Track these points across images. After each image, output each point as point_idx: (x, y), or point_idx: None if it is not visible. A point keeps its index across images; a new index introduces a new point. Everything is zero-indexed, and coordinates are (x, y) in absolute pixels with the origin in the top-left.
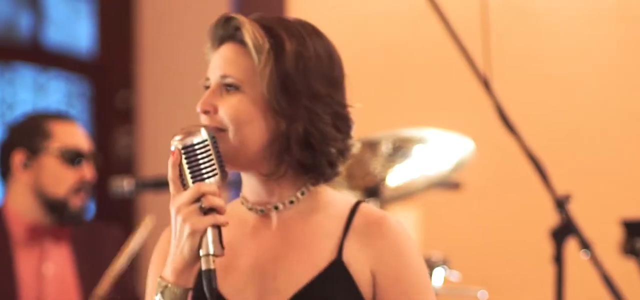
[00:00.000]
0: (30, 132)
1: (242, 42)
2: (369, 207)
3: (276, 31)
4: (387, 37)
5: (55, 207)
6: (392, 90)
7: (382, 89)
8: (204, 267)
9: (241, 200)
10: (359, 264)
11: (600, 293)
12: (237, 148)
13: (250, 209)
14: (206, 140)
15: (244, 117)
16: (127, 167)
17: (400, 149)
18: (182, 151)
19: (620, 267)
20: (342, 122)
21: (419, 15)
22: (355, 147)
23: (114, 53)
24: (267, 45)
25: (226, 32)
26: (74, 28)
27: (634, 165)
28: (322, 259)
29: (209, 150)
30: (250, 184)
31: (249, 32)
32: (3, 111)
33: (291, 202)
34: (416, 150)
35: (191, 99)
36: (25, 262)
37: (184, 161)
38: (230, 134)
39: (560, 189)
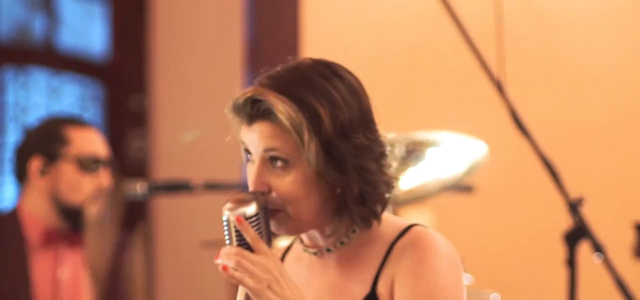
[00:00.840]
0: (48, 138)
1: (278, 122)
2: (420, 229)
3: (306, 100)
4: (401, 41)
5: (71, 214)
6: (405, 94)
7: (396, 92)
8: None
9: (299, 239)
10: (388, 289)
11: (613, 297)
12: (298, 223)
13: (305, 251)
14: (258, 214)
15: (300, 195)
16: (140, 170)
17: (413, 152)
18: (235, 221)
19: (633, 270)
20: (384, 157)
21: (433, 19)
22: (397, 174)
23: (127, 56)
24: (305, 123)
25: (256, 112)
26: (87, 31)
27: None
28: (358, 296)
29: (260, 223)
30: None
31: (284, 114)
32: (16, 114)
33: (342, 243)
34: (429, 153)
35: (204, 103)
36: (40, 267)
37: (234, 230)
38: (290, 212)
39: (573, 192)
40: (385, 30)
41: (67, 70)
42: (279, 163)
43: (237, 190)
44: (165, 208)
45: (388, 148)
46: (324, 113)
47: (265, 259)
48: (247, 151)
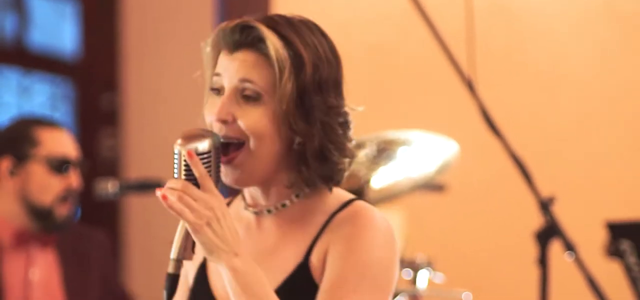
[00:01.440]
0: (17, 139)
1: (262, 53)
2: (360, 203)
3: (294, 43)
4: (372, 40)
5: (41, 215)
6: (376, 93)
7: (367, 92)
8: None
9: (241, 196)
10: (321, 259)
11: (584, 295)
12: (254, 166)
13: (245, 208)
14: (210, 152)
15: (264, 131)
16: (111, 169)
17: (384, 151)
18: (186, 155)
19: (604, 269)
20: (348, 127)
21: (404, 18)
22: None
23: (98, 55)
24: (288, 61)
25: (244, 39)
26: (58, 30)
27: (618, 166)
28: (291, 263)
29: (210, 162)
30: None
31: (273, 44)
32: None
33: (283, 205)
34: (401, 152)
35: (175, 101)
36: (11, 268)
37: (183, 164)
38: (251, 146)
39: (545, 191)
40: (356, 29)
41: (37, 69)
42: (250, 96)
43: (193, 126)
44: (136, 207)
45: (351, 122)
46: (307, 59)
47: (210, 196)
48: (215, 89)
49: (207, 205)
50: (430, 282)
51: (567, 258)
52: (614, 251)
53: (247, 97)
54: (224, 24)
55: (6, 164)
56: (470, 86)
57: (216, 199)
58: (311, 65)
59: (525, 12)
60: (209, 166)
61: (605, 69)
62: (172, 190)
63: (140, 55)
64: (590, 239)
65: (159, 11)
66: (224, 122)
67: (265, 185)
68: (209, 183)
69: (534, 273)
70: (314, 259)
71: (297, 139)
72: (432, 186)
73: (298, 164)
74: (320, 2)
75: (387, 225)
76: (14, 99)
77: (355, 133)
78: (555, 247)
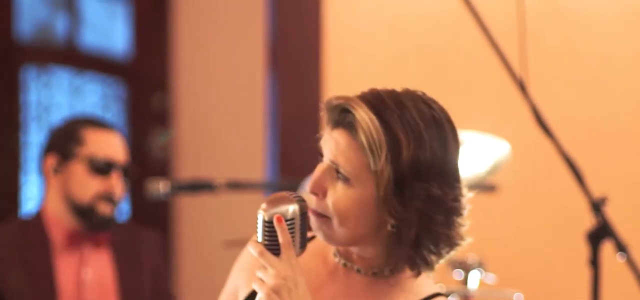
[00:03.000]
0: (64, 137)
1: (356, 136)
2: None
3: (393, 129)
4: (423, 40)
5: (82, 213)
6: (427, 92)
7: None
8: None
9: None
10: None
11: (637, 296)
12: (341, 237)
13: (335, 255)
14: (294, 219)
15: (351, 213)
16: (162, 169)
17: None
18: (275, 219)
19: None
20: (455, 216)
21: (455, 17)
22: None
23: (149, 55)
24: (384, 148)
25: (341, 118)
26: (109, 31)
27: None
28: None
29: (294, 228)
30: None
31: (365, 131)
32: (39, 114)
33: (374, 274)
34: None
35: (225, 101)
36: (64, 268)
37: (265, 228)
38: (334, 224)
39: (596, 192)
40: (407, 28)
41: (89, 69)
42: (341, 175)
43: (277, 191)
44: (188, 207)
45: (465, 208)
46: (405, 145)
47: (286, 265)
48: (320, 153)
49: (280, 274)
50: (482, 283)
51: (619, 259)
52: None
53: (338, 175)
54: (329, 99)
55: (51, 161)
56: (521, 86)
57: (291, 268)
58: (410, 152)
59: (577, 11)
60: (293, 231)
61: None
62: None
63: (190, 55)
64: None
65: (210, 11)
66: (314, 194)
67: (355, 248)
68: (289, 251)
69: (585, 274)
70: None
71: (391, 221)
72: (484, 186)
73: (390, 245)
74: (373, 1)
75: None
76: (65, 99)
77: None
78: (607, 248)
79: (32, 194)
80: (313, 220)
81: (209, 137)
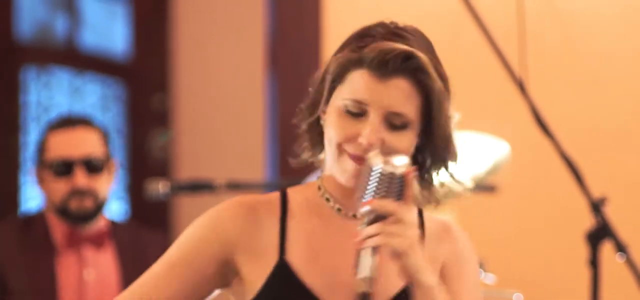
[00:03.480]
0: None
1: (416, 82)
2: (428, 214)
3: (442, 73)
4: None
5: (63, 213)
6: None
7: None
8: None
9: (323, 195)
10: (435, 269)
11: (636, 296)
12: None
13: (338, 210)
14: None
15: (408, 153)
16: (162, 169)
17: None
18: (406, 174)
19: None
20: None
21: (455, 17)
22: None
23: (149, 56)
24: (443, 89)
25: (403, 66)
26: (109, 31)
27: None
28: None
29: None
30: (347, 191)
31: (434, 77)
32: (39, 114)
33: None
34: None
35: (225, 101)
36: (65, 268)
37: (389, 183)
38: None
39: (596, 192)
40: None
41: (89, 69)
42: (398, 125)
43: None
44: (187, 208)
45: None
46: (447, 86)
47: (413, 218)
48: (353, 113)
49: (413, 226)
50: (482, 283)
51: (618, 259)
52: None
53: (394, 125)
54: (380, 46)
55: (33, 172)
56: (521, 86)
57: (415, 223)
58: (446, 97)
59: (577, 12)
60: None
61: None
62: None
63: (190, 55)
64: None
65: (210, 12)
66: (371, 148)
67: None
68: (412, 205)
69: (585, 274)
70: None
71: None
72: (483, 187)
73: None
74: (372, 1)
75: None
76: (65, 100)
77: None
78: (607, 248)
79: (32, 194)
80: (412, 179)
81: (208, 137)
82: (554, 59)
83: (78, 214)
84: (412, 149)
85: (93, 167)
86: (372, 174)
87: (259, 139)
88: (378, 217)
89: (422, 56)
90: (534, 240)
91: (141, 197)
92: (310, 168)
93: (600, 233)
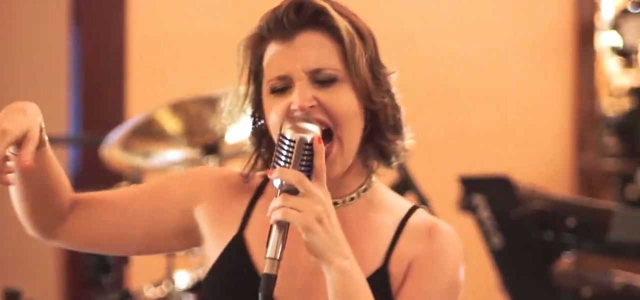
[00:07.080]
0: None
1: (325, 29)
2: (424, 213)
3: (349, 16)
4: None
5: None
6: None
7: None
8: (267, 271)
9: None
10: (401, 271)
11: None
12: (346, 151)
13: None
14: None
15: (355, 110)
16: None
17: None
18: (314, 141)
19: (457, 223)
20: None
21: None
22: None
23: None
24: (354, 33)
25: (301, 19)
26: None
27: (471, 121)
28: (368, 264)
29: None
30: None
31: (336, 15)
32: None
33: (351, 199)
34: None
35: (29, 55)
36: None
37: (298, 153)
38: (340, 133)
39: None
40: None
41: None
42: (326, 80)
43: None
44: None
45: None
46: (365, 29)
47: (323, 192)
48: (277, 90)
49: (320, 200)
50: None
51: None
52: (466, 205)
53: (321, 81)
54: (269, 12)
55: None
56: None
57: (325, 195)
58: (370, 35)
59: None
60: (312, 157)
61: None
62: (287, 176)
63: None
64: (444, 193)
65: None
66: (307, 110)
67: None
68: (323, 177)
69: None
70: (394, 268)
71: (372, 115)
72: None
73: (373, 143)
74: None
75: (459, 242)
76: None
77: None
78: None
79: None
80: (320, 148)
81: (11, 91)
82: None
83: None
84: (354, 105)
85: None
86: (280, 141)
87: (63, 93)
88: (290, 191)
89: (318, 1)
90: None
91: None
92: (113, 122)
93: (402, 186)
